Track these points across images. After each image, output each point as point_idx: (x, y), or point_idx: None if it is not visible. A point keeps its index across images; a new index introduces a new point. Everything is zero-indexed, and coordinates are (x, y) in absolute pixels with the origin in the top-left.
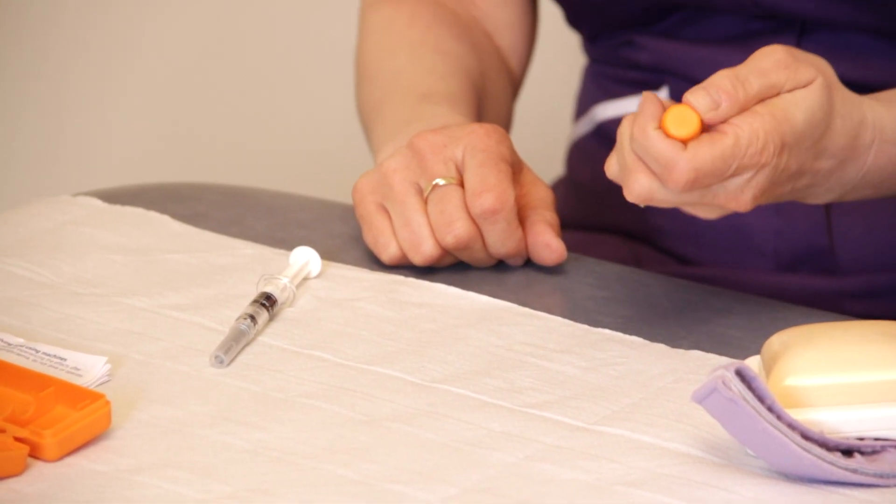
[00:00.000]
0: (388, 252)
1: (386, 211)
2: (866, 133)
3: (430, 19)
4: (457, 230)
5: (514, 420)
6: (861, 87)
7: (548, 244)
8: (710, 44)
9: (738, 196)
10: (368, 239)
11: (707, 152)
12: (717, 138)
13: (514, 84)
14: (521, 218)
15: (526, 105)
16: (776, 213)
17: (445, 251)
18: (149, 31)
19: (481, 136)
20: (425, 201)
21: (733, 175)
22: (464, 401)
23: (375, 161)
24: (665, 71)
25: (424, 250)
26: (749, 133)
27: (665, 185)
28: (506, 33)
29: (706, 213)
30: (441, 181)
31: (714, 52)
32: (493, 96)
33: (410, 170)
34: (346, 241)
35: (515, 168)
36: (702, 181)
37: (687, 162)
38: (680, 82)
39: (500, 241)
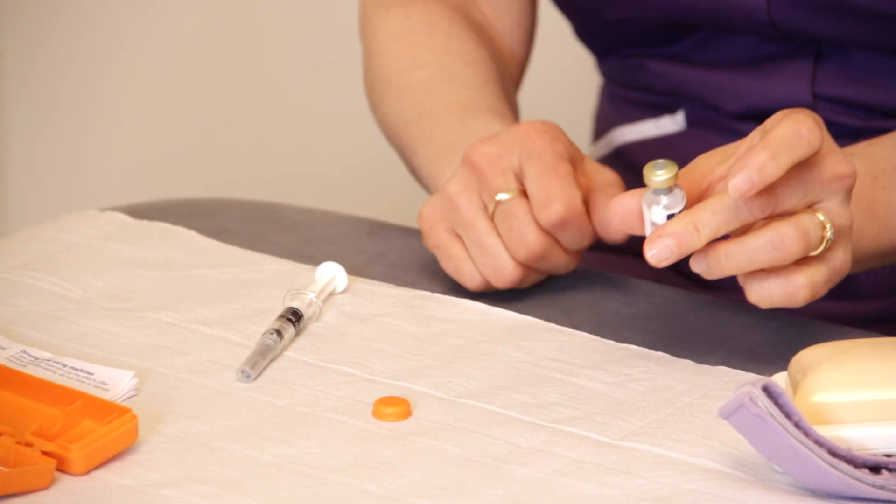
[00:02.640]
0: (474, 281)
1: (459, 237)
2: (862, 164)
3: (448, 25)
4: (529, 244)
5: (540, 435)
6: (877, 111)
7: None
8: (725, 68)
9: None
10: (449, 269)
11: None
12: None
13: (516, 89)
14: (589, 202)
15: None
16: None
17: (527, 269)
18: (175, 47)
19: (534, 138)
20: (492, 218)
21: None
22: (490, 416)
23: (430, 183)
24: (680, 95)
25: (505, 274)
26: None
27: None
28: (507, 39)
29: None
30: (503, 195)
31: (729, 76)
32: (511, 103)
33: (472, 189)
34: (372, 256)
35: (576, 160)
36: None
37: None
38: (696, 106)
39: (576, 241)
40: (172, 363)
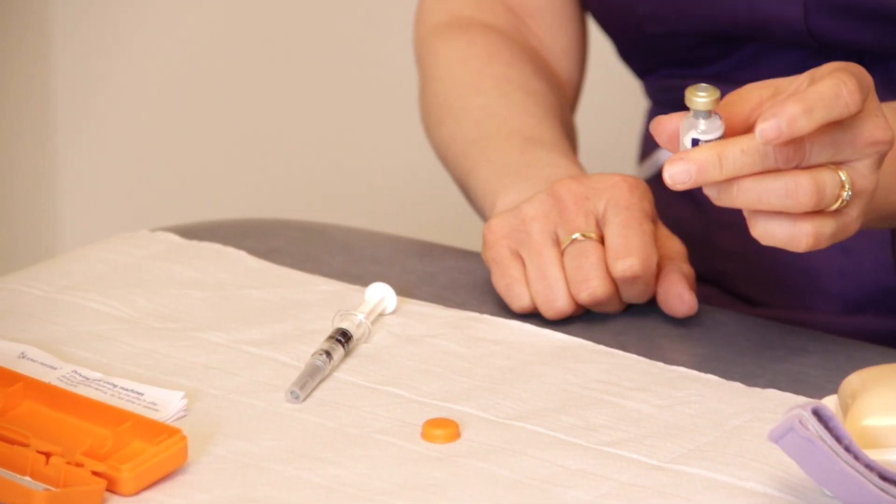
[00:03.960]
0: (522, 303)
1: (520, 258)
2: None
3: (508, 55)
4: (593, 288)
5: (589, 458)
6: None
7: (680, 295)
8: None
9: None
10: (500, 285)
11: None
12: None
13: (573, 112)
14: (657, 268)
15: (589, 146)
16: (842, 253)
17: (578, 306)
18: (224, 73)
19: (625, 191)
20: (562, 253)
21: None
22: (538, 438)
23: (485, 203)
24: None
25: (558, 306)
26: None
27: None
28: (562, 61)
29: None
30: (580, 236)
31: None
32: (569, 135)
33: (549, 219)
34: (422, 277)
35: (654, 223)
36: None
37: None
38: None
39: (636, 297)
40: (222, 384)
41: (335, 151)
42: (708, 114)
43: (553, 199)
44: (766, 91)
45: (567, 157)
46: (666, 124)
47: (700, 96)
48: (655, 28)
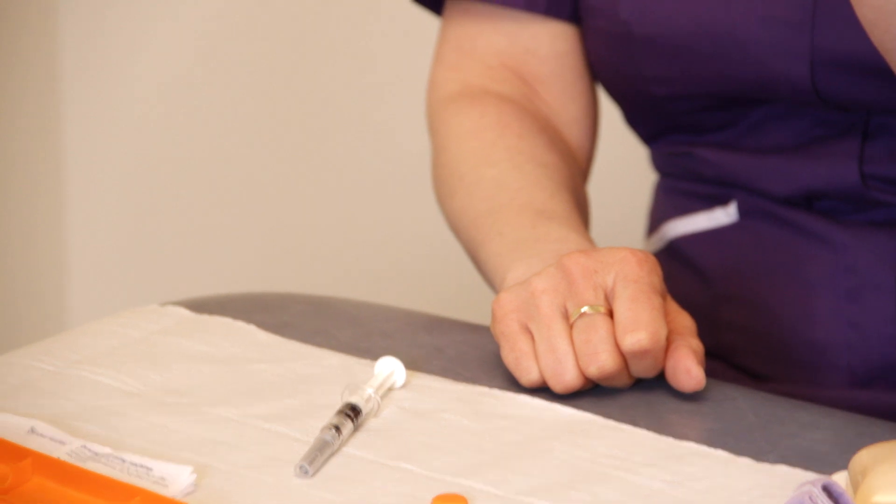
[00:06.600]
0: (530, 377)
1: (529, 332)
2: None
3: (520, 126)
4: (602, 362)
5: None
6: None
7: (688, 370)
8: (773, 152)
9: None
10: (509, 359)
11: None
12: None
13: (585, 182)
14: (666, 343)
15: (598, 219)
16: (849, 327)
17: (587, 380)
18: (235, 146)
19: (633, 265)
20: (571, 326)
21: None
22: None
23: (495, 277)
24: (731, 184)
25: (567, 380)
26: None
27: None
28: (573, 129)
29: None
30: (589, 309)
31: (776, 159)
32: (581, 207)
33: (558, 292)
34: (431, 351)
35: (663, 297)
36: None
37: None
38: (748, 196)
39: (645, 371)
40: (231, 458)
41: (344, 226)
42: None
43: (562, 273)
44: None
45: (577, 231)
46: None
47: None
48: (663, 91)
